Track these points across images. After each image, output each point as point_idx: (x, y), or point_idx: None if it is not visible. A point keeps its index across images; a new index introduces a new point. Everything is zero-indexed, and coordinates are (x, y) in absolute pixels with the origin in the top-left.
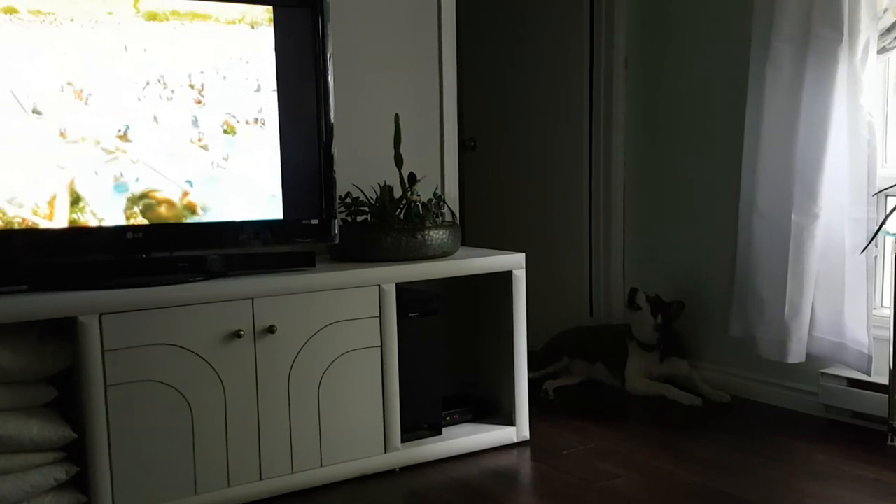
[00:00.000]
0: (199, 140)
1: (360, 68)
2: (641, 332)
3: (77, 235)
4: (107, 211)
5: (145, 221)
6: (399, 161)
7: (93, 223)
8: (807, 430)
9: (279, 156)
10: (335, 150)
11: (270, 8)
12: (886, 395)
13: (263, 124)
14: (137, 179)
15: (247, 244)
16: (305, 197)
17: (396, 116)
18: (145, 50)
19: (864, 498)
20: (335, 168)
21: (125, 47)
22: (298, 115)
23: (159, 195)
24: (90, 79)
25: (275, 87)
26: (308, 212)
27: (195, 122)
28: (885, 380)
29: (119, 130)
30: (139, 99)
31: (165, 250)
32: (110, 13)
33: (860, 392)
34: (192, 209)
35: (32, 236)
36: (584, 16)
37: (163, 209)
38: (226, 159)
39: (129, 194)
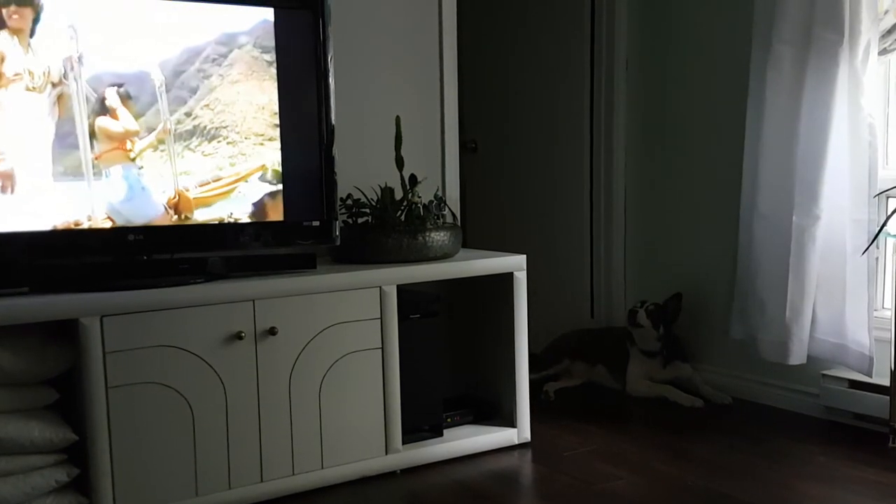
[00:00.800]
0: (208, 142)
1: (360, 70)
2: (644, 343)
3: (78, 237)
4: (115, 213)
5: (152, 223)
6: (400, 163)
7: (101, 226)
8: (808, 432)
9: (280, 157)
10: (336, 151)
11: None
12: (888, 397)
13: (275, 127)
14: (143, 188)
15: (248, 246)
16: (306, 199)
17: (397, 118)
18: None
19: (864, 500)
20: (336, 170)
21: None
22: (300, 116)
23: (168, 197)
24: None
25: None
26: (309, 213)
27: (204, 124)
28: (886, 381)
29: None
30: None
31: (166, 252)
32: None
33: (861, 394)
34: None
35: (34, 238)
36: (584, 17)
37: (178, 213)
38: (233, 164)
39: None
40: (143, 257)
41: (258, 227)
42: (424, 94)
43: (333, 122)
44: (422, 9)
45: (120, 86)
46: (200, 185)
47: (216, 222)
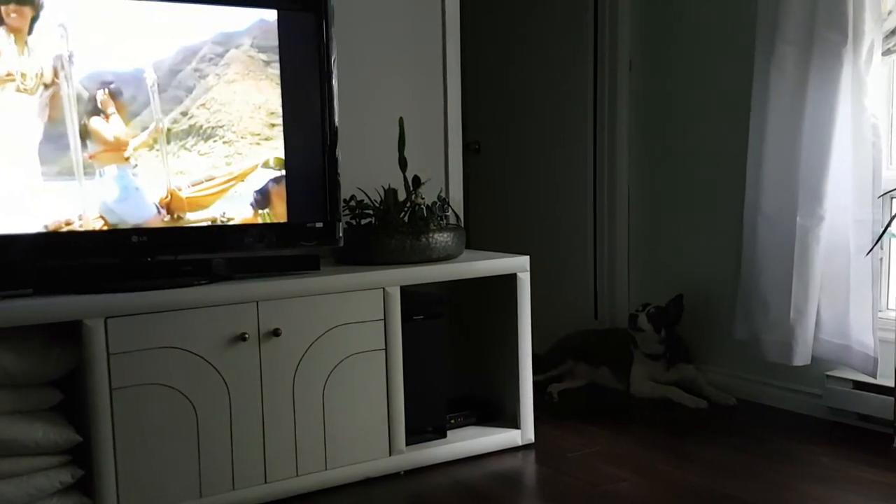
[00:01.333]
0: (204, 142)
1: (364, 72)
2: (647, 346)
3: (81, 239)
4: (108, 212)
5: (146, 223)
6: (403, 164)
7: (93, 225)
8: (812, 433)
9: (284, 158)
10: (339, 153)
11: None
12: (892, 398)
13: (272, 127)
14: (137, 188)
15: (251, 247)
16: (310, 200)
17: (401, 119)
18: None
19: (868, 501)
20: (339, 171)
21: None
22: (303, 118)
23: (160, 196)
24: None
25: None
26: (312, 215)
27: (200, 124)
28: (890, 382)
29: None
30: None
31: (170, 253)
32: None
33: (865, 394)
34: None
35: (38, 240)
36: (588, 18)
37: (170, 212)
38: (229, 164)
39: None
40: (147, 259)
41: (262, 229)
42: (427, 95)
43: (337, 123)
44: (425, 10)
45: (110, 84)
46: (193, 185)
47: (219, 224)
